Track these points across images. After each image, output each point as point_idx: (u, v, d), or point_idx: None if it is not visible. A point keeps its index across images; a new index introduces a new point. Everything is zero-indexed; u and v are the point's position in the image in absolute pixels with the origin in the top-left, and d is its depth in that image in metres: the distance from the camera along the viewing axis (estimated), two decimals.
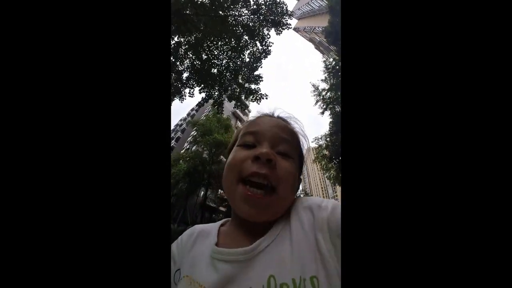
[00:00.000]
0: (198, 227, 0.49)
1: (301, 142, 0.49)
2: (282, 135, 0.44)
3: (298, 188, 0.47)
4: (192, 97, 6.80)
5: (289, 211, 0.42)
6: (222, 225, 0.47)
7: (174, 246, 0.47)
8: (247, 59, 6.77)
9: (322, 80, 11.81)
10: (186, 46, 6.45)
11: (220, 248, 0.39)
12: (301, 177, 0.49)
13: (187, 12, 5.93)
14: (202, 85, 6.56)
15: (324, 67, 11.72)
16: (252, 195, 0.38)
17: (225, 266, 0.36)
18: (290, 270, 0.33)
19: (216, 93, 6.72)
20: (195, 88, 6.69)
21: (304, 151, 0.49)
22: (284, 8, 6.77)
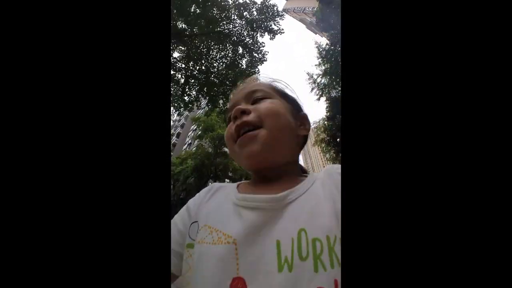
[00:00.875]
0: (216, 184, 0.48)
1: (282, 87, 0.47)
2: (253, 88, 0.45)
3: (304, 125, 0.46)
4: (199, 108, 7.42)
5: (318, 175, 0.40)
6: (240, 183, 0.46)
7: (191, 201, 0.45)
8: (244, 66, 7.26)
9: (316, 65, 12.02)
10: (186, 60, 6.93)
11: (245, 194, 0.37)
12: (305, 113, 0.48)
13: (183, 29, 6.41)
14: (207, 97, 7.14)
15: (318, 53, 11.86)
16: (243, 137, 0.39)
17: (251, 214, 0.33)
18: (323, 225, 0.30)
19: (220, 102, 7.27)
20: (201, 101, 7.30)
21: (291, 94, 0.48)
22: (275, 9, 7.12)
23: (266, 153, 0.38)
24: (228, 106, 0.48)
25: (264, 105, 0.41)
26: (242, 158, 0.40)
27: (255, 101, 0.43)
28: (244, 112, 0.40)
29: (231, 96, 0.50)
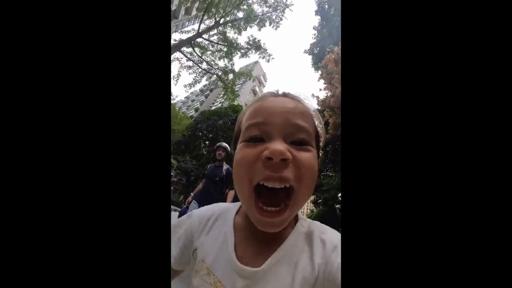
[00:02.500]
0: (217, 210, 0.48)
1: (315, 122, 0.41)
2: (295, 120, 0.37)
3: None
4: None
5: (305, 232, 0.41)
6: (237, 212, 0.46)
7: (196, 219, 0.47)
8: None
9: None
10: None
11: (237, 262, 0.40)
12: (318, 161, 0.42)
13: None
14: None
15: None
16: (268, 214, 0.36)
17: (243, 279, 0.39)
18: None
19: None
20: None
21: (320, 131, 0.42)
22: None
23: (282, 227, 0.38)
24: (249, 117, 0.40)
25: (305, 161, 0.36)
26: (255, 223, 0.38)
27: (296, 143, 0.37)
28: (286, 160, 0.34)
29: (258, 103, 0.41)
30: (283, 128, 0.37)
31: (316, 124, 0.42)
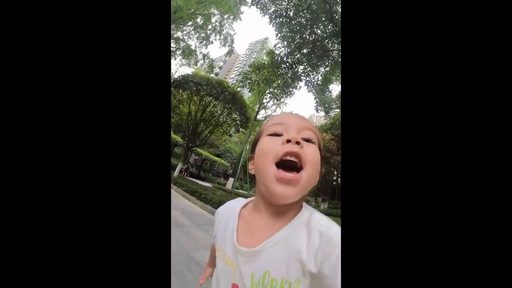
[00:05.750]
0: (228, 204, 0.64)
1: (318, 135, 0.55)
2: (305, 124, 0.52)
3: (320, 172, 0.54)
4: None
5: (305, 221, 0.49)
6: (244, 206, 0.59)
7: (215, 215, 0.63)
8: None
9: None
10: None
11: (238, 244, 0.50)
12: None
13: None
14: None
15: None
16: (285, 177, 0.45)
17: (240, 256, 0.49)
18: (282, 270, 0.44)
19: None
20: None
21: (320, 142, 0.56)
22: None
23: (295, 198, 0.47)
24: (272, 120, 0.54)
25: (311, 151, 0.49)
26: (274, 188, 0.46)
27: (305, 139, 0.50)
28: (299, 144, 0.48)
29: (278, 116, 0.57)
30: (297, 126, 0.51)
31: (318, 137, 0.55)
